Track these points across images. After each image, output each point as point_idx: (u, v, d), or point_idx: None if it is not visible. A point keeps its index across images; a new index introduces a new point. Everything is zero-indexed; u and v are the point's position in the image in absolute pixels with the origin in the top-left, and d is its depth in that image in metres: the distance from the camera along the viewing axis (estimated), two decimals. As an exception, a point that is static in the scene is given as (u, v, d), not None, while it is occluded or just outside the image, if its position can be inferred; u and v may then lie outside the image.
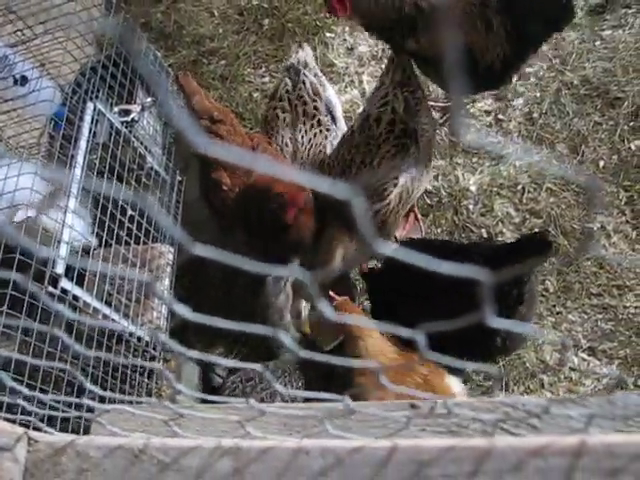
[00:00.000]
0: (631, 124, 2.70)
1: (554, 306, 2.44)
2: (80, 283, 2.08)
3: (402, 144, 2.30)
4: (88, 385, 0.87)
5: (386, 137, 2.29)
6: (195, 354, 0.73)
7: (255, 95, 3.15)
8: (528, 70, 2.88)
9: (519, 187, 2.66)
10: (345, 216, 2.11)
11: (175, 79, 2.44)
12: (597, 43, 2.89)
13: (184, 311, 0.60)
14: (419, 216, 2.65)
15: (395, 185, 2.30)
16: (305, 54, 2.72)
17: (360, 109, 2.82)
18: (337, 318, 1.49)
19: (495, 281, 0.49)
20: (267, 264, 0.58)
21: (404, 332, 0.57)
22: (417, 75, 2.44)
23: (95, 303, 2.12)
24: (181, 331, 2.46)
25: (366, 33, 3.14)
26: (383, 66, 3.02)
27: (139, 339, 2.33)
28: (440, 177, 2.72)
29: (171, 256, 2.59)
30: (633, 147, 2.65)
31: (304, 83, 2.59)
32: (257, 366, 0.67)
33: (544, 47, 2.89)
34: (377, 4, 2.29)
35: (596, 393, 2.25)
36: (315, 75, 2.67)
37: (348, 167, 2.32)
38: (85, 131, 2.37)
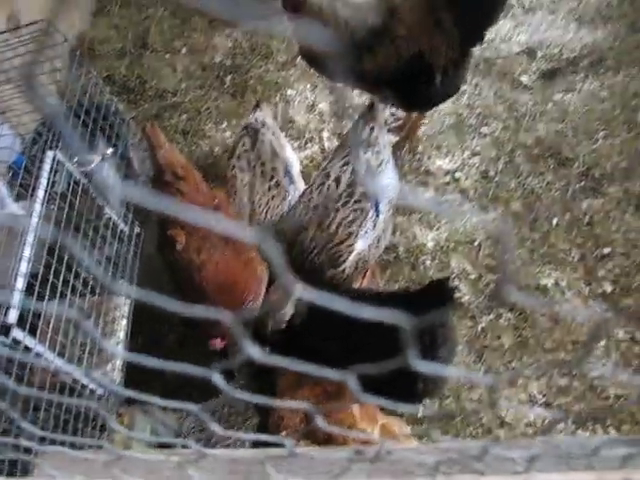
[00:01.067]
0: (582, 183, 2.77)
1: (510, 361, 2.46)
2: (33, 333, 2.04)
3: (361, 209, 2.29)
4: (30, 427, 0.84)
5: (345, 200, 2.28)
6: (150, 400, 0.72)
7: (216, 150, 3.18)
8: (484, 131, 2.97)
9: (475, 243, 2.70)
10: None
11: (142, 130, 2.43)
12: (549, 106, 2.99)
13: (139, 359, 0.59)
14: (377, 272, 2.67)
15: (350, 253, 2.27)
16: (264, 113, 2.74)
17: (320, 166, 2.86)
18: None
19: (411, 327, 0.50)
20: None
21: (334, 375, 0.57)
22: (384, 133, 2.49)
23: (48, 354, 2.07)
24: (135, 386, 2.40)
25: (327, 90, 3.22)
26: (344, 123, 3.08)
27: (92, 392, 2.27)
28: (398, 233, 2.74)
29: (127, 308, 2.55)
30: (584, 206, 2.72)
31: (262, 143, 2.60)
32: (193, 407, 0.66)
33: (500, 108, 3.00)
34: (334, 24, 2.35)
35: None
36: (273, 134, 2.67)
37: (304, 229, 2.28)
38: (44, 180, 2.35)
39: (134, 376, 2.40)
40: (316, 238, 2.25)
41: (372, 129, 2.45)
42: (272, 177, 2.55)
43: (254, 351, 0.52)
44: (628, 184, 2.72)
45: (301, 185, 2.67)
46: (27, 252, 2.10)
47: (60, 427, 2.13)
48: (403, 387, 1.93)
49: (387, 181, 2.44)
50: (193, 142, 3.26)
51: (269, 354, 0.55)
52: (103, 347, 2.37)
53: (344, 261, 2.26)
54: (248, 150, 2.61)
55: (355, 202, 2.29)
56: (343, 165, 2.35)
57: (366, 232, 2.31)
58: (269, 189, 2.54)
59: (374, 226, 2.33)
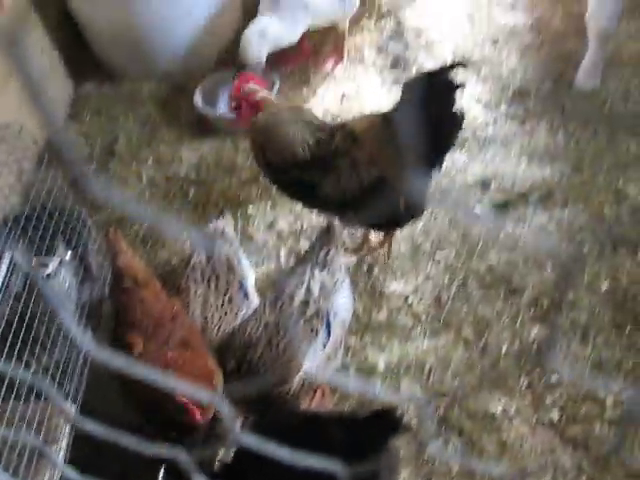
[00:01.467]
0: (531, 312, 2.85)
1: (457, 489, 2.43)
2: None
3: (312, 329, 2.31)
4: None
5: (297, 319, 2.29)
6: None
7: (174, 260, 3.20)
8: (438, 257, 3.06)
9: (425, 368, 2.72)
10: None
11: (105, 235, 2.43)
12: (501, 236, 3.10)
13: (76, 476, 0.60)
14: (327, 392, 2.66)
15: (298, 371, 2.25)
16: (225, 222, 2.78)
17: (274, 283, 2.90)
18: None
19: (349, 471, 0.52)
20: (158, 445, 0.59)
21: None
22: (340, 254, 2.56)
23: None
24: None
25: (287, 210, 3.31)
26: (302, 243, 3.15)
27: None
28: (350, 354, 2.76)
29: (72, 414, 2.48)
30: (533, 334, 2.78)
31: (219, 255, 2.60)
32: None
33: (454, 235, 3.11)
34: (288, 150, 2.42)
35: None
36: (230, 245, 2.70)
37: (254, 345, 2.26)
38: (-1, 279, 2.34)
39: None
40: (264, 356, 2.24)
41: (328, 251, 2.51)
42: (226, 291, 2.54)
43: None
44: (574, 314, 2.80)
45: (255, 300, 2.67)
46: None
47: None
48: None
49: (341, 301, 2.48)
50: (153, 251, 3.28)
51: None
52: (43, 455, 2.29)
53: (290, 379, 2.24)
54: (202, 261, 2.60)
55: (306, 322, 2.31)
56: (297, 284, 2.39)
57: (315, 351, 2.32)
58: (222, 304, 2.51)
59: (324, 346, 2.35)
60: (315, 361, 2.32)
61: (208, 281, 2.56)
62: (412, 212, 2.74)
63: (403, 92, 2.56)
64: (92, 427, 0.54)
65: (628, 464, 2.42)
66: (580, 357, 2.71)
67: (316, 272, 2.42)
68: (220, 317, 2.49)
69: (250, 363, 2.23)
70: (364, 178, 2.57)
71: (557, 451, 2.50)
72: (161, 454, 0.53)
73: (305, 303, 2.33)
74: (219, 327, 2.48)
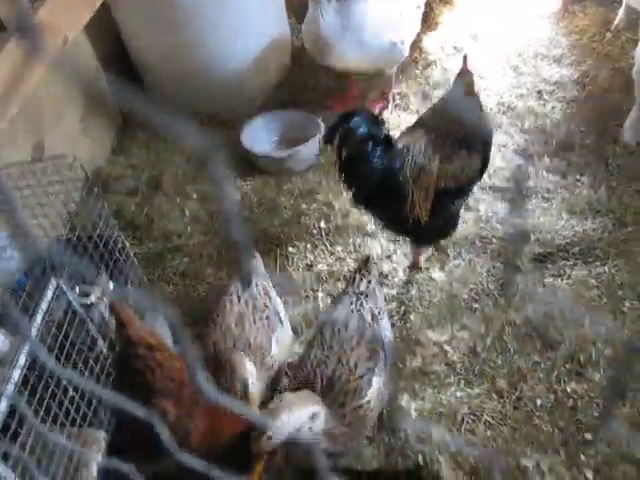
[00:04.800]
0: (567, 366, 2.81)
1: None
2: (5, 459, 2.00)
3: (373, 348, 2.37)
4: None
5: (358, 341, 2.36)
6: None
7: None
8: (474, 306, 3.06)
9: (458, 417, 2.70)
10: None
11: (111, 307, 2.37)
12: (539, 289, 3.09)
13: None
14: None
15: (370, 385, 2.32)
16: (257, 262, 2.83)
17: (313, 324, 2.93)
18: None
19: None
20: None
21: None
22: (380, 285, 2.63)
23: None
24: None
25: (327, 252, 3.35)
26: (339, 285, 3.18)
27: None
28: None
29: (104, 443, 2.51)
30: (569, 389, 2.75)
31: (257, 285, 2.67)
32: None
33: (491, 286, 3.11)
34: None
35: None
36: (265, 281, 2.75)
37: (324, 363, 2.33)
38: (44, 305, 2.40)
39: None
40: (337, 371, 2.30)
41: (370, 281, 2.59)
42: (264, 310, 2.61)
43: None
44: (612, 373, 2.77)
45: (288, 328, 2.74)
46: (16, 375, 2.10)
47: None
48: None
49: (387, 328, 2.56)
50: (191, 285, 3.34)
51: None
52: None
53: (365, 394, 2.30)
54: (239, 290, 2.66)
55: (367, 342, 2.38)
56: (347, 313, 2.46)
57: (379, 370, 2.37)
58: (260, 319, 2.58)
59: (385, 366, 2.42)
60: (381, 379, 2.37)
61: (246, 302, 2.61)
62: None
63: None
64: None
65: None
66: (619, 415, 2.66)
67: (363, 301, 2.49)
68: (258, 329, 2.54)
69: (322, 378, 2.29)
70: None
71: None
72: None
73: (360, 328, 2.39)
74: (254, 340, 2.52)
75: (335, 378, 2.30)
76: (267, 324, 2.60)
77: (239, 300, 2.63)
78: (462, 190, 2.99)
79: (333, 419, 2.17)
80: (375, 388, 2.35)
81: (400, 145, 2.90)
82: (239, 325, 2.55)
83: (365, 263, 2.66)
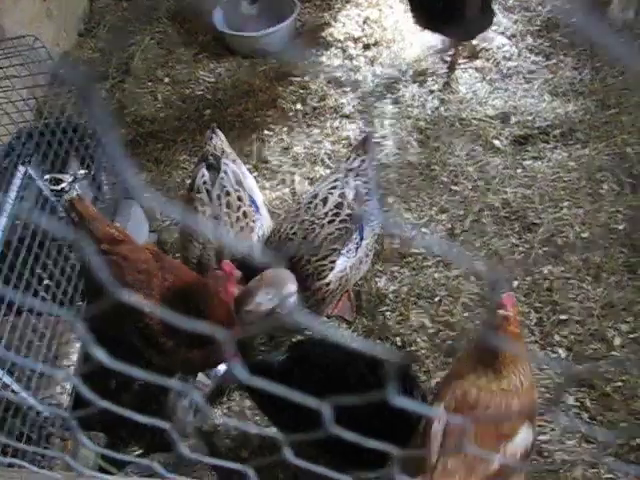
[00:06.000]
0: (545, 249, 2.82)
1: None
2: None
3: (346, 228, 2.36)
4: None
5: (332, 219, 2.35)
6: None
7: (188, 182, 3.18)
8: (454, 189, 3.03)
9: (436, 299, 2.72)
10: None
11: (70, 204, 2.30)
12: (518, 171, 3.06)
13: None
14: (352, 296, 2.68)
15: (333, 268, 2.33)
16: (219, 139, 2.67)
17: (290, 205, 2.89)
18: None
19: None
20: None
21: (311, 402, 0.58)
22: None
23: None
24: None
25: (304, 134, 3.27)
26: (317, 168, 3.12)
27: (38, 413, 2.21)
28: (360, 282, 2.76)
29: (82, 330, 2.50)
30: (545, 271, 2.77)
31: (226, 173, 2.52)
32: (145, 461, 0.66)
33: (470, 168, 3.07)
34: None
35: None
36: (234, 161, 2.62)
37: (290, 240, 2.32)
38: (12, 194, 2.33)
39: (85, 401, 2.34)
40: (302, 249, 2.30)
41: (363, 161, 2.54)
42: (239, 207, 2.47)
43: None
44: (588, 254, 2.78)
45: (266, 214, 2.62)
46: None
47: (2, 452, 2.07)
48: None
49: (371, 211, 2.50)
50: (166, 172, 3.26)
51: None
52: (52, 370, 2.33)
53: (326, 275, 2.32)
54: (207, 182, 2.51)
55: (340, 222, 2.36)
56: (331, 188, 2.43)
57: (348, 252, 2.38)
58: (237, 220, 2.45)
59: (357, 249, 2.42)
60: (348, 261, 2.38)
61: (218, 198, 2.47)
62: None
63: None
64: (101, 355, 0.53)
65: (630, 402, 2.44)
66: (592, 297, 2.69)
67: (350, 179, 2.45)
68: (236, 233, 2.44)
69: (287, 254, 2.29)
70: None
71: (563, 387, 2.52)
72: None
73: (339, 206, 2.37)
74: (236, 245, 2.44)
75: (298, 258, 2.30)
76: (247, 222, 2.47)
77: (210, 198, 2.49)
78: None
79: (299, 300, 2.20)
80: (338, 270, 2.34)
81: None
82: (216, 236, 2.43)
83: (362, 142, 2.61)
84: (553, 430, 2.39)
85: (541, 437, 2.38)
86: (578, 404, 2.46)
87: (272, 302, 2.11)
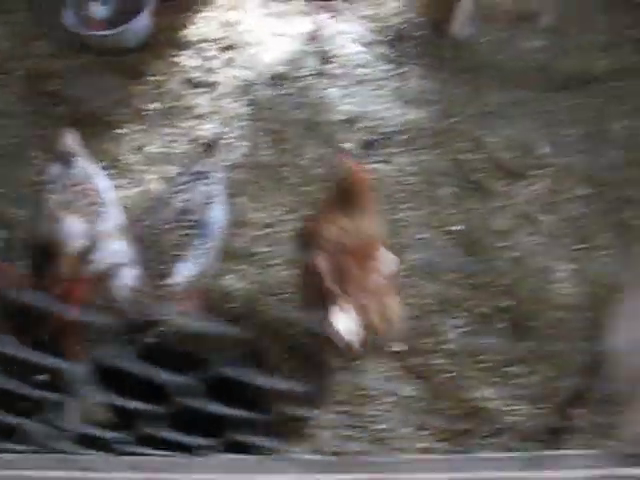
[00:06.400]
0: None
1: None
2: None
3: (192, 232, 2.45)
4: None
5: (175, 225, 2.43)
6: None
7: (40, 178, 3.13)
8: (302, 190, 3.13)
9: (287, 296, 2.82)
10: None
11: None
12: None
13: None
14: (202, 297, 2.74)
15: (179, 271, 2.41)
16: (72, 136, 2.67)
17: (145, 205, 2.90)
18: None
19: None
20: None
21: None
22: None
23: None
24: None
25: (158, 134, 3.29)
26: (171, 167, 3.15)
27: None
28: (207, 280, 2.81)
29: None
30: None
31: (76, 169, 2.56)
32: None
33: (319, 170, 3.17)
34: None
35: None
36: (85, 159, 2.65)
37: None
38: None
39: None
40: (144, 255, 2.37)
41: (211, 163, 2.62)
42: (88, 199, 2.52)
43: None
44: (425, 253, 2.95)
45: (115, 209, 2.64)
46: None
47: None
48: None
49: (217, 214, 2.57)
50: (16, 169, 3.21)
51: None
52: None
53: (174, 277, 2.39)
54: (60, 175, 2.54)
55: (184, 227, 2.42)
56: (176, 192, 2.49)
57: (195, 255, 2.44)
58: (85, 210, 2.49)
59: (205, 250, 2.49)
60: (191, 266, 2.44)
61: (67, 192, 2.51)
62: None
63: None
64: None
65: (460, 392, 2.62)
66: (428, 293, 2.85)
67: (198, 182, 2.51)
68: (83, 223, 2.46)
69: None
70: None
71: (401, 379, 2.67)
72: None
73: (184, 211, 2.43)
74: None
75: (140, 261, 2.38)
76: (93, 212, 2.50)
77: (61, 187, 2.51)
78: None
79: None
80: (185, 273, 2.42)
81: None
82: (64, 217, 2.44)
83: (210, 145, 2.69)
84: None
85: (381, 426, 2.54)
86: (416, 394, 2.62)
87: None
